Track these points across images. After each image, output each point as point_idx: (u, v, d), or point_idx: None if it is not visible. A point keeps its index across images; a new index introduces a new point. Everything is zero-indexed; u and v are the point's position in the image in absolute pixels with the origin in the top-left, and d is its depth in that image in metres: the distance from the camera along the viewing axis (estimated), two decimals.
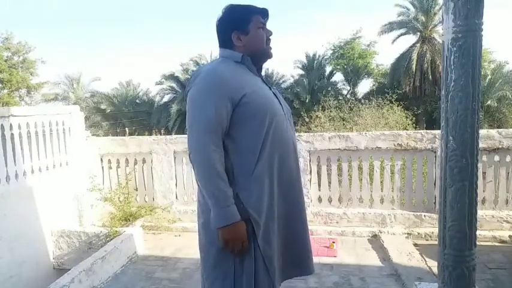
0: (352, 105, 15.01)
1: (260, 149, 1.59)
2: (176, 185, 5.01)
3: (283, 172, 1.68)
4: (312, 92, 26.09)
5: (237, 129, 1.59)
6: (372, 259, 3.80)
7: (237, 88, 1.58)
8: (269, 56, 1.76)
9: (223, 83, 1.58)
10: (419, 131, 4.56)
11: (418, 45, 24.17)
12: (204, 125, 1.55)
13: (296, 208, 1.76)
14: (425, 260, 3.62)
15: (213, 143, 1.55)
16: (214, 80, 1.58)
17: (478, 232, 1.96)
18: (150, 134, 20.06)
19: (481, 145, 3.65)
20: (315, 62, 28.34)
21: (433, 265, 3.27)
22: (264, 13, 1.71)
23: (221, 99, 1.55)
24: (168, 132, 25.63)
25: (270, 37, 1.74)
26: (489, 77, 22.22)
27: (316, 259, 3.78)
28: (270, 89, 1.76)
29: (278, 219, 1.67)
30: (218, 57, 1.76)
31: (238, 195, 1.58)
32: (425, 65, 23.42)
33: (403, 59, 24.28)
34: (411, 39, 25.48)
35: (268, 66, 32.41)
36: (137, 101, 30.33)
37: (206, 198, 1.57)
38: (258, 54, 1.72)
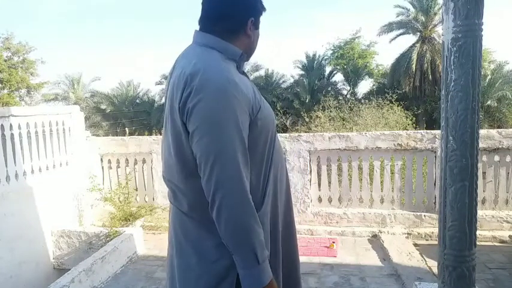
0: (352, 105, 15.01)
1: (267, 178, 1.30)
2: None
3: (283, 197, 1.42)
4: (312, 92, 26.10)
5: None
6: (372, 259, 3.79)
7: (252, 98, 1.22)
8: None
9: (241, 92, 1.18)
10: (419, 131, 4.56)
11: (418, 45, 24.17)
12: (240, 154, 1.15)
13: (292, 233, 1.50)
14: (425, 260, 3.62)
15: (247, 178, 1.17)
16: (232, 89, 1.16)
17: (478, 232, 1.96)
18: (150, 134, 20.07)
19: (481, 145, 3.65)
20: (315, 62, 28.36)
21: (433, 265, 3.27)
22: (264, 9, 1.38)
23: (244, 115, 1.17)
24: None
25: None
26: (489, 77, 22.21)
27: (316, 259, 3.79)
28: None
29: (279, 254, 1.38)
30: (199, 44, 1.29)
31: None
32: (425, 65, 23.42)
33: (403, 59, 24.27)
34: (411, 39, 25.52)
35: (268, 66, 32.45)
36: (137, 101, 30.34)
37: (237, 254, 1.16)
38: (249, 54, 1.38)
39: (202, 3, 1.30)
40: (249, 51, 1.35)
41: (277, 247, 1.35)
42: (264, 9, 1.36)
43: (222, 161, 1.13)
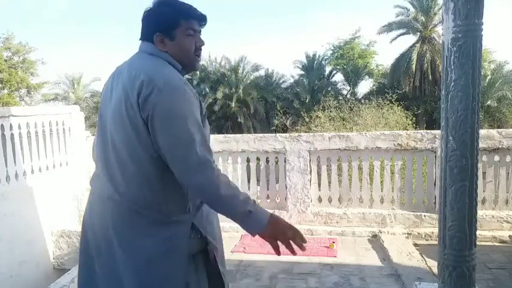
0: (352, 105, 15.02)
1: None
2: None
3: None
4: (312, 92, 26.10)
5: None
6: (372, 259, 3.79)
7: (198, 103, 1.39)
8: (195, 68, 1.52)
9: (194, 95, 1.37)
10: (419, 131, 4.56)
11: (418, 45, 24.18)
12: (202, 136, 1.32)
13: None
14: (425, 260, 3.62)
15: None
16: (185, 89, 1.32)
17: (478, 232, 1.95)
18: None
19: (481, 145, 3.65)
20: (315, 62, 28.37)
21: (433, 265, 3.27)
22: (200, 19, 1.48)
23: (198, 114, 1.36)
24: None
25: (201, 47, 1.49)
26: (489, 77, 22.22)
27: (316, 259, 3.79)
28: None
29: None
30: (142, 52, 1.45)
31: (194, 225, 1.43)
32: (425, 65, 23.43)
33: (403, 59, 24.29)
34: (411, 39, 25.53)
35: (268, 66, 32.45)
36: None
37: (233, 209, 1.34)
38: (182, 64, 1.46)
39: (142, 21, 1.48)
40: (180, 60, 1.45)
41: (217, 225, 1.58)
42: (197, 18, 1.46)
43: (192, 146, 1.27)
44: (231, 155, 4.80)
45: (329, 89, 26.61)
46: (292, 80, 28.75)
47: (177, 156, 1.29)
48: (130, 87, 1.31)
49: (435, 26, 24.10)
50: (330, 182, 4.78)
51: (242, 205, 1.33)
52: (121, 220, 1.39)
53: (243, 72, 27.80)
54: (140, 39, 1.48)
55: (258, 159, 4.83)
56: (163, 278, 1.38)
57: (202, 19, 1.49)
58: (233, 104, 25.85)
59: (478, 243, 1.91)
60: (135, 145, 1.33)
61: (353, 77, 27.49)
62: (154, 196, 1.37)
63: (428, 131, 4.55)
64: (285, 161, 4.67)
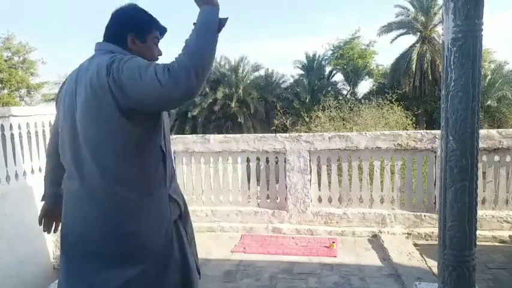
0: (352, 105, 15.02)
1: None
2: None
3: None
4: (312, 92, 26.10)
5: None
6: (372, 259, 3.79)
7: None
8: None
9: None
10: (419, 131, 4.56)
11: (418, 45, 24.18)
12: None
13: None
14: (425, 260, 3.62)
15: None
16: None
17: (478, 232, 1.96)
18: None
19: (481, 145, 3.65)
20: (315, 62, 28.36)
21: (433, 265, 3.27)
22: (163, 31, 1.65)
23: None
24: None
25: (159, 57, 1.65)
26: (489, 77, 22.22)
27: (316, 259, 3.79)
28: None
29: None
30: (102, 51, 1.53)
31: (171, 196, 1.59)
32: (425, 65, 23.43)
33: (403, 59, 24.29)
34: (411, 39, 25.53)
35: (268, 66, 32.46)
36: None
37: (211, 44, 1.35)
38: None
39: (109, 22, 1.60)
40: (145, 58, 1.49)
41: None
42: (161, 30, 1.64)
43: (151, 66, 1.31)
44: (231, 155, 4.81)
45: (329, 89, 26.60)
46: (292, 80, 28.76)
47: (144, 85, 1.30)
48: (96, 73, 1.38)
49: (435, 26, 24.11)
50: (330, 182, 4.78)
51: (214, 27, 1.37)
52: (114, 211, 1.46)
53: (243, 72, 27.80)
54: (105, 39, 1.57)
55: (258, 159, 4.84)
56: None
57: (164, 32, 1.66)
58: (233, 104, 25.85)
59: (478, 243, 1.91)
60: (111, 127, 1.39)
61: (353, 77, 27.48)
62: (136, 178, 1.46)
63: (428, 131, 4.55)
64: (285, 161, 4.67)
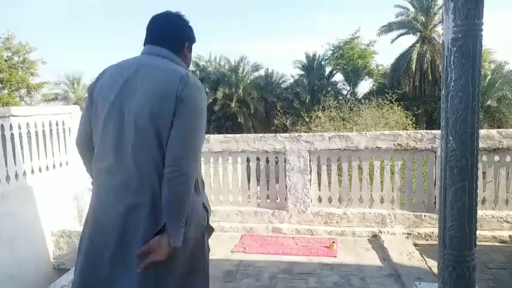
0: (352, 105, 15.03)
1: None
2: None
3: None
4: (312, 92, 26.10)
5: None
6: (372, 259, 3.79)
7: None
8: None
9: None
10: (419, 131, 4.56)
11: (418, 45, 24.18)
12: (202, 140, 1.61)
13: None
14: (425, 260, 3.62)
15: None
16: (204, 91, 1.66)
17: (478, 232, 1.96)
18: None
19: (481, 145, 3.64)
20: (315, 62, 28.36)
21: (433, 265, 3.27)
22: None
23: None
24: None
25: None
26: (489, 77, 22.22)
27: (316, 259, 3.79)
28: None
29: None
30: (159, 56, 1.64)
31: (203, 203, 1.66)
32: (425, 65, 23.43)
33: (403, 59, 24.29)
34: (411, 39, 25.53)
35: (268, 66, 32.45)
36: None
37: (181, 212, 1.48)
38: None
39: (161, 28, 1.71)
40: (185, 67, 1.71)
41: None
42: (195, 40, 1.80)
43: (199, 139, 1.56)
44: (231, 155, 4.80)
45: (329, 89, 26.61)
46: (292, 80, 28.76)
47: (184, 139, 1.49)
48: (167, 82, 1.52)
49: (435, 26, 24.10)
50: (330, 182, 4.77)
51: (183, 217, 1.49)
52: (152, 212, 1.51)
53: (243, 72, 27.81)
54: (159, 44, 1.66)
55: (258, 159, 4.84)
56: (198, 248, 1.62)
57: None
58: (233, 104, 25.85)
59: (478, 243, 1.91)
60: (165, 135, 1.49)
61: (353, 77, 27.48)
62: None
63: (428, 131, 4.55)
64: (285, 161, 4.67)
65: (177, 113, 1.49)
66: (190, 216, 1.53)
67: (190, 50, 1.76)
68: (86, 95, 1.70)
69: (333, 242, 4.13)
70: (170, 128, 1.48)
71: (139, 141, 1.50)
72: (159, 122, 1.49)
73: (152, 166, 1.50)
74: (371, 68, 28.58)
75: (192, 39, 1.77)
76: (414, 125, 15.30)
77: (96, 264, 1.54)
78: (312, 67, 28.13)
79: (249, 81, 27.62)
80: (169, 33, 1.69)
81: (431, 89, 23.27)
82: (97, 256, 1.54)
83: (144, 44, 1.71)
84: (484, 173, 4.24)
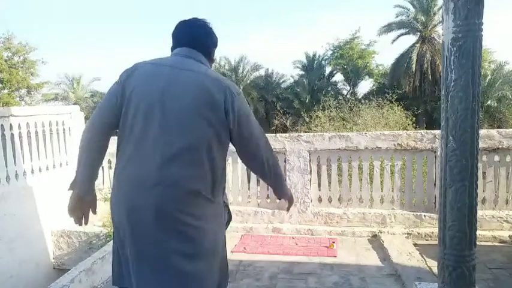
0: (352, 105, 15.03)
1: None
2: None
3: None
4: (312, 92, 26.11)
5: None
6: (372, 259, 3.79)
7: None
8: None
9: None
10: (419, 131, 4.56)
11: (418, 45, 24.18)
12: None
13: None
14: (425, 260, 3.61)
15: None
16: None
17: (478, 232, 1.95)
18: None
19: (481, 145, 3.64)
20: (315, 62, 28.38)
21: (433, 265, 3.27)
22: None
23: None
24: None
25: None
26: (489, 77, 22.21)
27: (316, 259, 3.79)
28: None
29: None
30: (192, 59, 1.72)
31: (225, 203, 1.84)
32: (425, 65, 23.43)
33: (403, 59, 24.29)
34: (411, 39, 25.53)
35: (268, 66, 32.47)
36: None
37: (279, 177, 1.91)
38: None
39: (193, 32, 1.79)
40: None
41: None
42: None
43: (263, 142, 1.78)
44: (231, 155, 4.80)
45: (329, 89, 26.61)
46: (292, 80, 28.78)
47: (254, 139, 1.73)
48: (213, 90, 1.61)
49: (435, 26, 24.10)
50: (330, 182, 4.77)
51: (282, 176, 1.98)
52: (183, 201, 1.58)
53: (243, 72, 27.82)
54: (192, 47, 1.74)
55: None
56: (218, 240, 1.72)
57: None
58: None
59: (478, 243, 1.91)
60: (210, 140, 1.61)
61: (353, 77, 27.49)
62: (207, 182, 1.63)
63: (428, 131, 4.55)
64: (285, 161, 4.67)
65: (234, 122, 1.63)
66: (211, 215, 1.68)
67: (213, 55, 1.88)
68: (115, 83, 1.71)
69: (333, 242, 4.13)
70: (226, 134, 1.65)
71: (184, 142, 1.58)
72: (212, 129, 1.60)
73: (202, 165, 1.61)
74: (371, 68, 28.58)
75: (216, 45, 1.88)
76: (414, 125, 15.30)
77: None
78: (312, 67, 28.14)
79: (249, 81, 27.63)
80: (203, 39, 1.79)
81: (431, 89, 23.28)
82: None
83: (176, 47, 1.77)
84: (484, 173, 4.24)
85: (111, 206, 1.71)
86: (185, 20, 1.80)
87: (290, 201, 2.01)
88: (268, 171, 1.81)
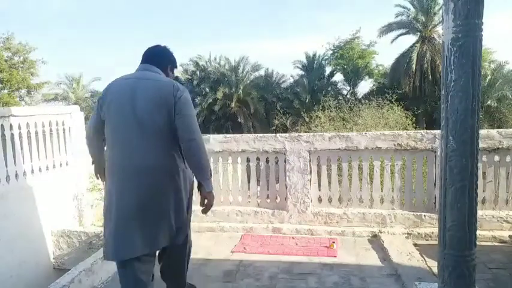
0: (352, 105, 15.03)
1: None
2: None
3: None
4: (312, 92, 26.09)
5: None
6: (372, 259, 3.79)
7: None
8: None
9: None
10: (419, 131, 4.55)
11: (418, 45, 24.17)
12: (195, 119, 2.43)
13: None
14: (425, 260, 3.61)
15: None
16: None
17: (478, 232, 1.96)
18: None
19: (481, 145, 3.65)
20: (315, 62, 28.35)
21: (433, 265, 3.27)
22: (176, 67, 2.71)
23: None
24: None
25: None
26: (489, 77, 22.19)
27: (316, 259, 3.79)
28: None
29: None
30: (151, 72, 2.43)
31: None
32: (425, 65, 23.42)
33: (403, 59, 24.28)
34: (411, 39, 25.52)
35: (268, 66, 32.47)
36: None
37: (205, 167, 2.39)
38: None
39: (152, 53, 2.55)
40: None
41: None
42: (177, 65, 2.68)
43: (195, 120, 2.38)
44: (231, 155, 4.80)
45: (329, 89, 26.59)
46: (292, 80, 28.75)
47: (189, 124, 2.31)
48: (164, 90, 2.30)
49: (435, 26, 24.09)
50: (330, 182, 4.77)
51: (208, 170, 2.45)
52: (168, 175, 2.32)
53: (243, 72, 27.80)
54: (149, 63, 2.47)
55: (258, 159, 4.83)
56: (187, 198, 2.48)
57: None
58: (233, 104, 25.84)
59: (478, 243, 1.91)
60: (165, 124, 2.26)
61: (353, 77, 27.47)
62: (181, 157, 2.38)
63: (428, 131, 4.55)
64: (285, 161, 4.67)
65: (177, 107, 2.28)
66: (185, 177, 2.41)
67: (171, 71, 2.59)
68: (96, 100, 2.48)
69: (333, 242, 4.13)
70: (174, 118, 2.26)
71: (146, 131, 2.27)
72: (164, 117, 2.26)
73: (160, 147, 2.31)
74: (371, 68, 28.57)
75: (173, 63, 2.61)
76: (414, 125, 15.30)
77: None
78: (312, 67, 28.13)
79: (249, 81, 27.61)
80: (157, 56, 2.52)
81: (431, 89, 23.26)
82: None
83: (141, 63, 2.49)
84: (484, 173, 4.23)
85: (105, 187, 2.43)
86: (150, 46, 2.55)
87: (210, 197, 2.44)
88: (197, 158, 2.35)
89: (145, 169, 2.24)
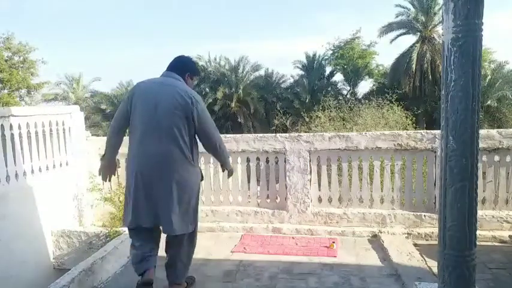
0: (352, 105, 15.03)
1: None
2: None
3: None
4: (312, 92, 26.09)
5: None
6: (372, 259, 3.79)
7: None
8: None
9: None
10: (419, 131, 4.55)
11: (418, 45, 24.16)
12: None
13: None
14: (425, 260, 3.61)
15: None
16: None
17: (478, 232, 1.95)
18: None
19: (481, 145, 3.65)
20: (315, 62, 28.35)
21: (433, 265, 3.27)
22: (198, 76, 3.25)
23: None
24: None
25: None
26: (489, 77, 22.18)
27: (316, 259, 3.79)
28: None
29: None
30: (172, 79, 2.84)
31: (199, 168, 2.96)
32: (425, 65, 23.42)
33: (403, 59, 24.28)
34: (411, 39, 25.52)
35: (268, 66, 32.48)
36: None
37: (224, 155, 3.01)
38: None
39: (175, 61, 2.98)
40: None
41: None
42: (198, 74, 3.20)
43: (215, 129, 2.90)
44: (231, 155, 4.78)
45: (329, 89, 26.60)
46: (292, 80, 28.76)
47: (210, 130, 2.84)
48: (182, 97, 2.70)
49: (435, 26, 24.09)
50: (330, 182, 4.77)
51: (227, 156, 3.10)
52: (177, 162, 2.71)
53: (243, 72, 27.81)
54: (172, 71, 2.89)
55: (258, 159, 4.83)
56: (195, 192, 2.86)
57: (198, 76, 3.25)
58: (233, 104, 25.85)
59: (478, 243, 1.91)
60: (181, 126, 2.68)
61: (353, 77, 27.47)
62: (189, 153, 2.75)
63: (428, 131, 4.55)
64: (285, 161, 4.67)
65: (196, 115, 2.72)
66: (192, 175, 2.82)
67: (191, 78, 2.98)
68: (126, 96, 2.84)
69: (333, 242, 4.13)
70: (191, 123, 2.72)
71: (163, 126, 2.69)
72: (182, 120, 2.69)
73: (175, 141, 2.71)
74: (371, 68, 28.57)
75: (192, 72, 3.01)
76: (414, 125, 15.28)
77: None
78: (312, 67, 28.13)
79: (248, 81, 27.61)
80: (179, 66, 2.93)
81: (431, 89, 23.26)
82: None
83: (166, 70, 2.92)
84: (484, 173, 4.23)
85: (127, 170, 2.85)
86: (177, 56, 2.97)
87: (230, 172, 3.17)
88: (220, 151, 2.94)
89: (159, 155, 2.66)
